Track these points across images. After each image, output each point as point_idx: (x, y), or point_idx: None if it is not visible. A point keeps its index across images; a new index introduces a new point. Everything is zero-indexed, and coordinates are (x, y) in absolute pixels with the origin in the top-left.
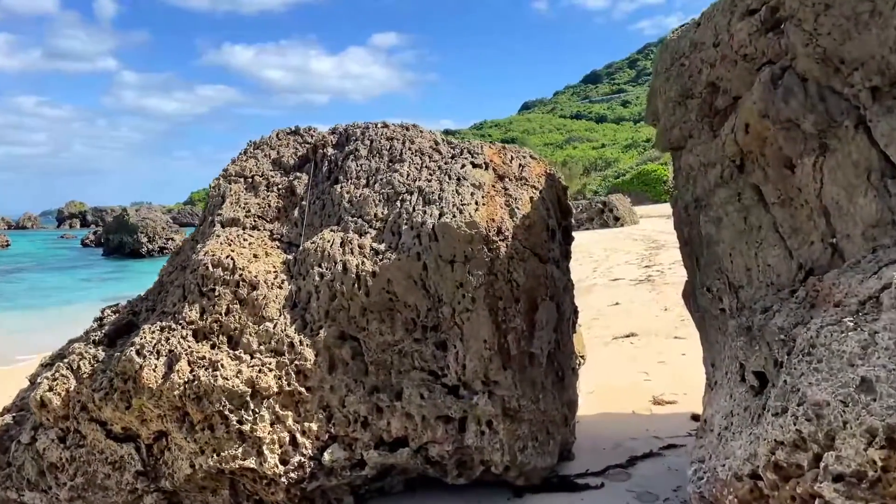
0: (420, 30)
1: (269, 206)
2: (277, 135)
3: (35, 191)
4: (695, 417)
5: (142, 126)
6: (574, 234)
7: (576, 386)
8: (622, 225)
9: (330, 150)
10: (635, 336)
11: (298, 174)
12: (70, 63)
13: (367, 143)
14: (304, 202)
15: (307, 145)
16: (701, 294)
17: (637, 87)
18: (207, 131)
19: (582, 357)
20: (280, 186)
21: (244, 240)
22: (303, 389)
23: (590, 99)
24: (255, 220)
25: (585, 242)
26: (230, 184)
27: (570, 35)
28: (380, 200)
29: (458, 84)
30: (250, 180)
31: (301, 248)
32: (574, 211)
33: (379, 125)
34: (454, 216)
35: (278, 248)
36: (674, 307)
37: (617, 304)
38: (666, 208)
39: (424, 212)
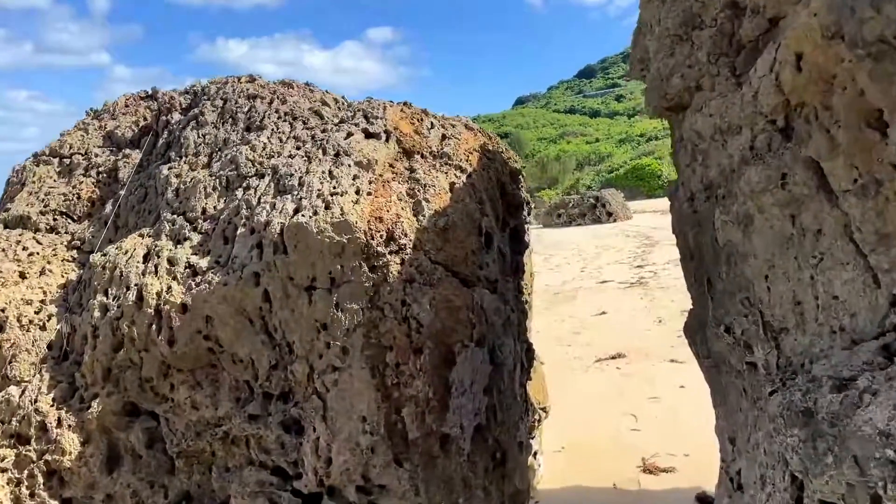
0: (415, 25)
1: (80, 197)
2: (126, 101)
3: None
4: (700, 499)
5: None
6: (566, 230)
7: (526, 467)
8: (615, 220)
9: (176, 117)
10: (623, 357)
11: (129, 151)
12: (62, 57)
13: (219, 103)
14: (122, 191)
15: (155, 112)
16: (715, 335)
17: (631, 82)
18: None
19: (543, 410)
20: (101, 169)
21: (23, 249)
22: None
23: (584, 93)
24: (54, 219)
25: (576, 239)
26: (37, 166)
27: (564, 30)
28: (214, 188)
29: (451, 79)
30: (66, 161)
31: (88, 263)
32: (567, 206)
33: (243, 79)
34: (316, 213)
35: (74, 261)
36: (668, 319)
37: (604, 313)
38: (660, 203)
39: (273, 205)
